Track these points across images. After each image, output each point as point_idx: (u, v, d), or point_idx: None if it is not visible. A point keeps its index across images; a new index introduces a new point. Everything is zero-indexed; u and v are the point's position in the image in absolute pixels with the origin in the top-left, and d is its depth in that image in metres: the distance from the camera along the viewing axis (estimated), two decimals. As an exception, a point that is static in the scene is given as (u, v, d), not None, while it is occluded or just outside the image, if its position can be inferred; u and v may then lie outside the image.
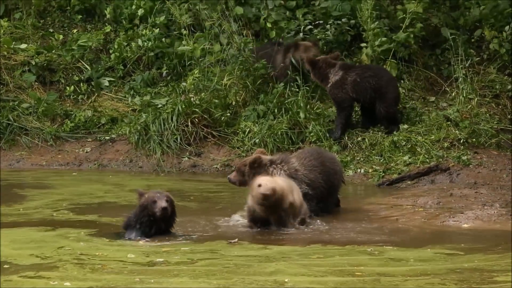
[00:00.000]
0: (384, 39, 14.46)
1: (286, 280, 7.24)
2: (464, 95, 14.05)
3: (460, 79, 14.26)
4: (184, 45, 15.57)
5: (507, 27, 14.50)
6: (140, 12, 16.24)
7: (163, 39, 15.92)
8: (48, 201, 11.55)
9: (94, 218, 10.49)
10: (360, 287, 7.13)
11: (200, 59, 15.37)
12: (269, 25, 15.60)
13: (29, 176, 13.77)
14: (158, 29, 15.88)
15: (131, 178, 13.76)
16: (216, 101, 14.66)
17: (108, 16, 16.53)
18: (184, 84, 15.14)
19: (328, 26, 15.21)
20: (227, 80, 14.86)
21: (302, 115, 14.12)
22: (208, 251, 8.63)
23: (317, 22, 15.38)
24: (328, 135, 13.88)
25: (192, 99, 14.58)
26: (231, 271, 7.63)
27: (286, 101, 14.32)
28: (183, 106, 14.50)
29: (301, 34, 15.37)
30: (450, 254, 8.47)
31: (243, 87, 14.82)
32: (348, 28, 15.16)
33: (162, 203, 9.09)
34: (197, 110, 14.52)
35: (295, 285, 7.14)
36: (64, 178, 13.66)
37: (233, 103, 14.73)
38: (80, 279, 7.37)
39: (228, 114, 14.59)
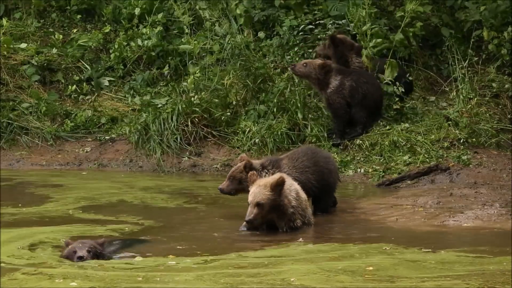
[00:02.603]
0: (379, 40, 14.38)
1: (292, 279, 7.25)
2: (464, 95, 14.05)
3: (459, 79, 14.28)
4: (184, 44, 15.58)
5: (509, 29, 14.49)
6: (137, 11, 16.23)
7: (163, 38, 15.91)
8: (66, 201, 11.57)
9: (110, 217, 10.53)
10: (370, 287, 7.16)
11: (200, 59, 15.37)
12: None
13: (35, 176, 13.74)
14: (158, 27, 15.87)
15: (143, 177, 13.77)
16: (216, 100, 14.65)
17: (107, 15, 16.52)
18: (184, 83, 15.13)
19: (329, 26, 15.19)
20: (227, 80, 14.84)
21: (300, 115, 14.13)
22: (217, 251, 8.64)
23: (317, 22, 15.37)
24: (327, 137, 13.86)
25: (192, 98, 14.58)
26: (240, 270, 7.63)
27: (286, 101, 14.32)
28: (183, 106, 14.49)
29: (300, 34, 15.36)
30: (464, 257, 8.44)
31: (243, 86, 14.80)
32: (348, 28, 15.15)
33: (79, 253, 8.11)
34: (197, 109, 14.51)
35: (301, 284, 7.15)
36: (73, 177, 13.64)
37: (233, 102, 14.70)
38: (83, 277, 7.37)
39: (228, 114, 14.57)
